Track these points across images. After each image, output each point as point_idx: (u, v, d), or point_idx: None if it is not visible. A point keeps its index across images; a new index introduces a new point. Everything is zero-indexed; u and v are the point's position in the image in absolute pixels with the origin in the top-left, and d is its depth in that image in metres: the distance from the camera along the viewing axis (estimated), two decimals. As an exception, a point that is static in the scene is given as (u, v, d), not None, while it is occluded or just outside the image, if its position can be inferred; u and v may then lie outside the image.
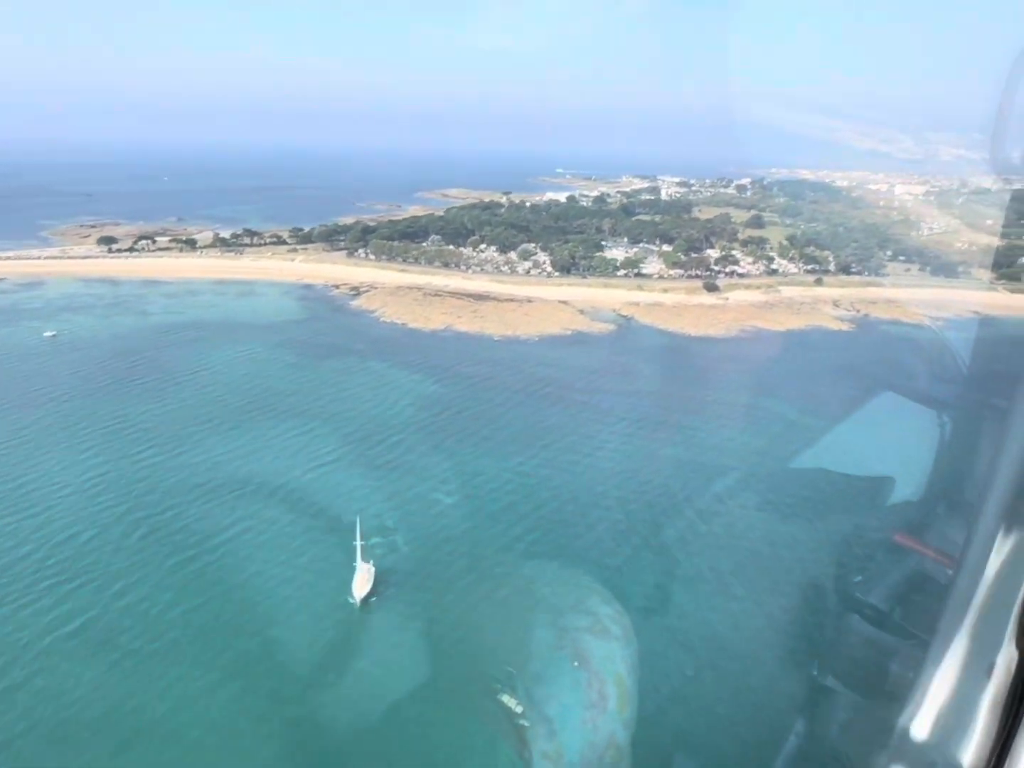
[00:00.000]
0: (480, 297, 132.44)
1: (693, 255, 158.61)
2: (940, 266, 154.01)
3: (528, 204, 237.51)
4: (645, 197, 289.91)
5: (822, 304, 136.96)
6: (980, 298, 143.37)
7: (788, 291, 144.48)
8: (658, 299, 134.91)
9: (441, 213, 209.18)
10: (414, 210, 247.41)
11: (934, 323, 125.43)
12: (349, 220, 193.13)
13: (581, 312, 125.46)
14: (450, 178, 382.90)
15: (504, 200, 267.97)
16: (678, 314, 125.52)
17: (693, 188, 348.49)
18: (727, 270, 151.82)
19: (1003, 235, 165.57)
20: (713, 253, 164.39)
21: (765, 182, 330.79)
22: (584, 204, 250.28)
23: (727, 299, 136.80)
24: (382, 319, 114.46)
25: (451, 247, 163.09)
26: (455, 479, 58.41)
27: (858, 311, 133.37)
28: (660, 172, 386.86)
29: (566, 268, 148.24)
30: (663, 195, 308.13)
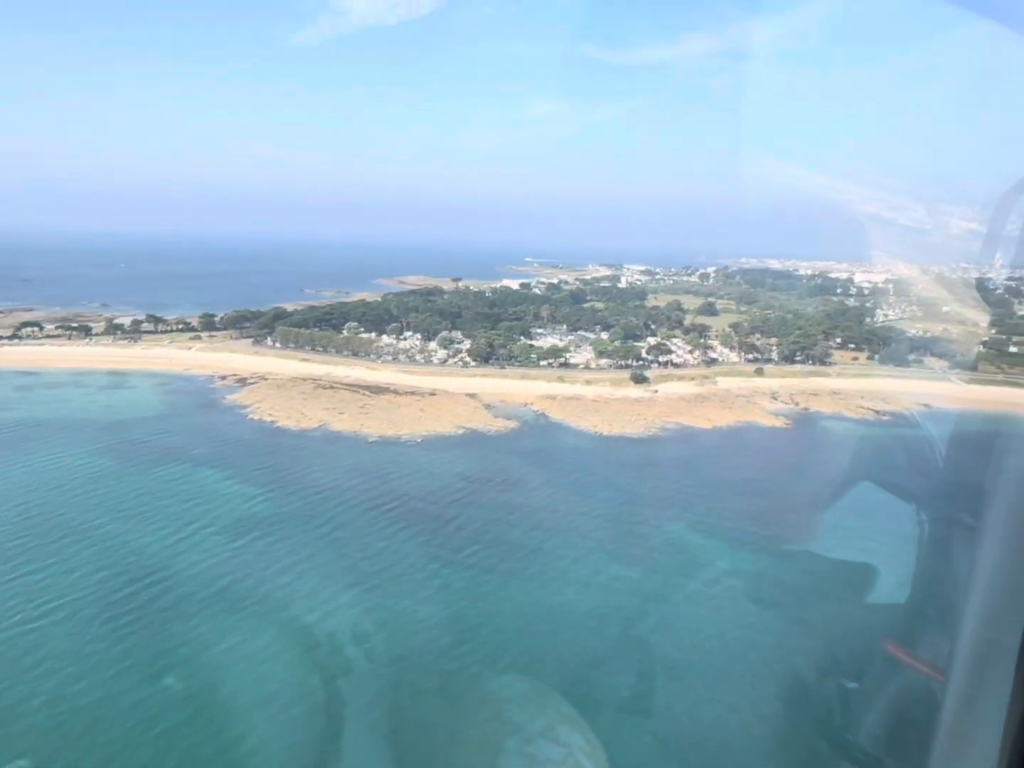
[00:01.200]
0: (379, 390, 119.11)
1: (632, 343, 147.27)
2: (890, 354, 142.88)
3: (473, 290, 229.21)
4: (603, 284, 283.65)
5: (760, 396, 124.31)
6: (932, 389, 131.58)
7: (726, 382, 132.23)
8: (579, 392, 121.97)
9: (379, 299, 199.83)
10: (361, 296, 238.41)
11: (880, 418, 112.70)
12: (289, 306, 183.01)
13: (487, 407, 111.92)
14: (417, 265, 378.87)
15: (453, 286, 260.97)
16: (596, 409, 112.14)
17: (657, 276, 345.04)
18: (662, 359, 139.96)
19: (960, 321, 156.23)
20: (652, 341, 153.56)
21: (729, 271, 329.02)
22: (537, 291, 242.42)
23: (656, 392, 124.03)
24: (251, 416, 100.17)
25: (369, 335, 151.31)
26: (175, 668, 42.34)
27: (797, 404, 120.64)
28: (629, 261, 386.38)
29: (485, 357, 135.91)
30: (622, 283, 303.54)
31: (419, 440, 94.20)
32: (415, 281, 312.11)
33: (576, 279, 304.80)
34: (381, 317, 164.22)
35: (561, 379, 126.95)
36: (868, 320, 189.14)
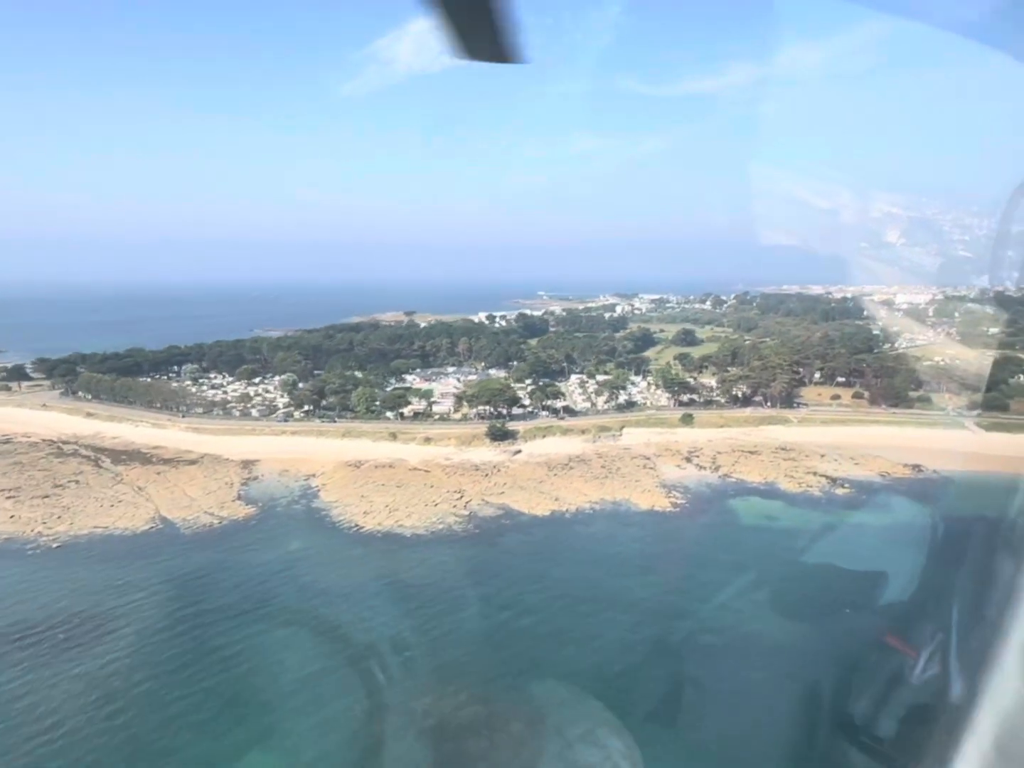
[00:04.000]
0: (133, 456, 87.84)
1: (543, 383, 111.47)
2: (886, 391, 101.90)
3: (420, 323, 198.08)
4: (591, 314, 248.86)
5: (669, 457, 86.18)
6: (934, 440, 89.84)
7: (635, 435, 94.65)
8: (405, 454, 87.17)
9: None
10: (300, 332, 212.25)
11: (833, 491, 73.32)
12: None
13: (249, 480, 79.03)
14: (419, 302, 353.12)
15: (401, 319, 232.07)
16: (401, 483, 77.26)
17: (668, 304, 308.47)
18: (558, 405, 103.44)
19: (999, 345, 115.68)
20: (575, 380, 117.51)
21: (749, 296, 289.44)
22: (502, 323, 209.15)
23: (518, 452, 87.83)
24: None
25: (182, 382, 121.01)
26: None
27: (717, 468, 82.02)
28: (656, 291, 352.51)
29: (315, 405, 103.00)
30: (617, 312, 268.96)
31: (56, 546, 61.35)
32: (388, 317, 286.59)
33: (564, 309, 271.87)
34: (241, 357, 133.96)
35: (394, 436, 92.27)
36: (886, 347, 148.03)
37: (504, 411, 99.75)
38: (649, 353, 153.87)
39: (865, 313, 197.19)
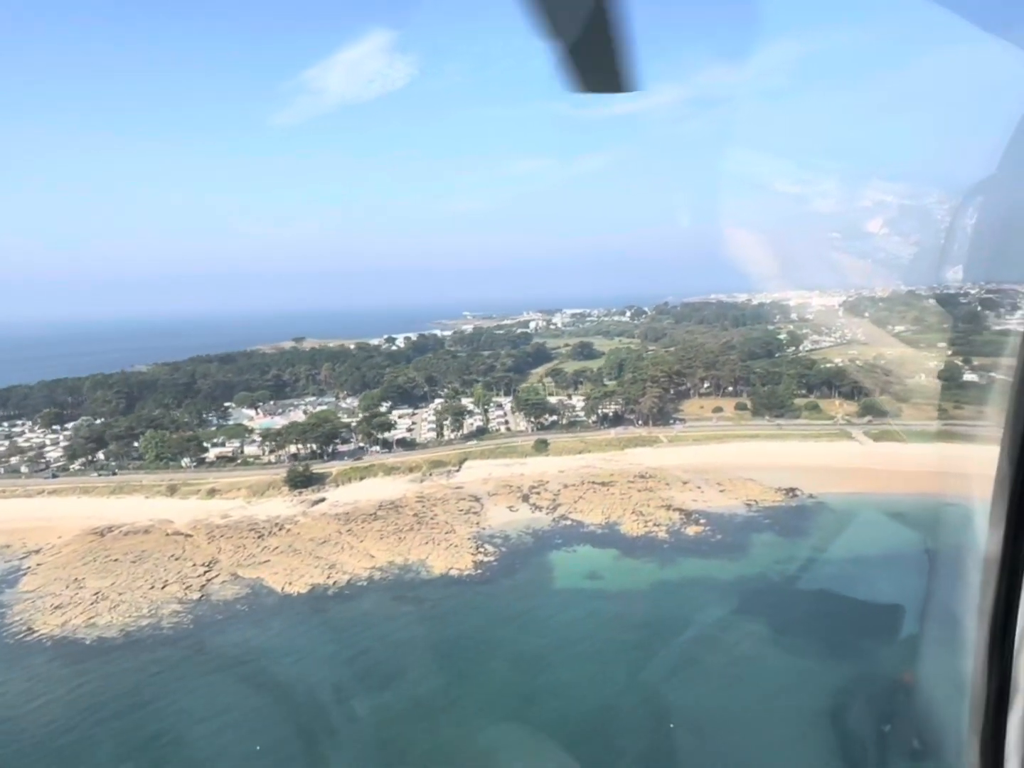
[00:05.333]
0: None
1: (371, 413, 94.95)
2: (769, 400, 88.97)
3: (304, 350, 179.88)
4: (497, 332, 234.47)
5: (503, 494, 71.21)
6: (818, 454, 77.01)
7: (478, 468, 79.37)
8: (178, 512, 69.72)
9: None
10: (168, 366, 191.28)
11: (685, 528, 59.09)
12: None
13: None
14: (331, 330, 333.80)
15: (283, 347, 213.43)
16: (141, 558, 59.85)
17: (588, 318, 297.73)
18: (392, 437, 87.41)
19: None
20: (438, 404, 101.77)
21: (669, 306, 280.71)
22: (395, 347, 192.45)
23: (320, 501, 71.37)
24: None
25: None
26: None
27: (557, 506, 67.00)
28: (579, 306, 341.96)
29: (78, 455, 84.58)
30: (531, 328, 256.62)
31: None
32: (270, 347, 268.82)
33: (475, 327, 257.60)
34: (52, 400, 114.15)
35: (173, 490, 74.49)
36: (790, 351, 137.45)
37: (326, 449, 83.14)
38: (541, 370, 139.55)
39: (777, 318, 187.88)
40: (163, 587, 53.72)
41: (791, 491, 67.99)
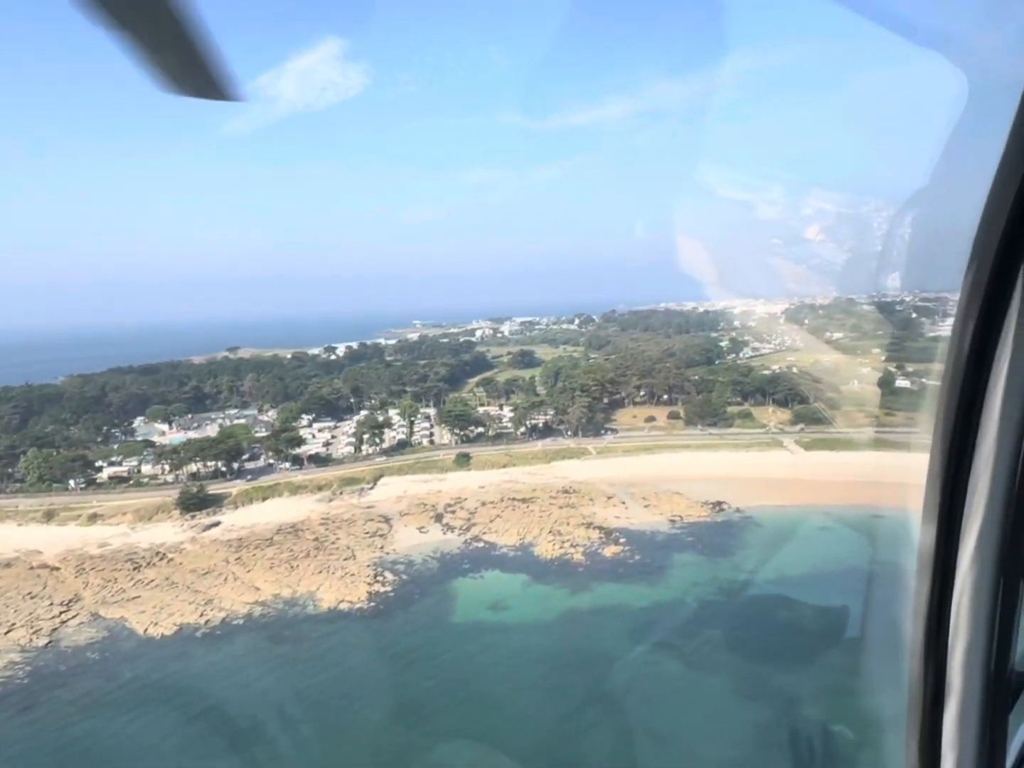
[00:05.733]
0: None
1: (281, 427, 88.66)
2: (702, 409, 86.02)
3: (232, 359, 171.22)
4: (442, 340, 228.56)
5: (416, 514, 66.34)
6: (748, 465, 74.16)
7: (396, 484, 74.29)
8: (52, 541, 62.75)
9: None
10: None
11: (600, 547, 55.01)
12: None
13: None
14: (280, 339, 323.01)
15: (222, 357, 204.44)
16: (-5, 593, 52.50)
17: (537, 326, 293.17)
18: (311, 454, 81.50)
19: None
20: (363, 416, 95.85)
21: (617, 314, 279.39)
22: (334, 356, 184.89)
23: (213, 525, 65.17)
24: None
25: None
26: None
27: (468, 527, 62.40)
28: (529, 315, 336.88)
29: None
30: (477, 336, 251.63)
31: None
32: (202, 358, 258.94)
33: (420, 336, 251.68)
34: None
35: (51, 515, 67.31)
36: (730, 358, 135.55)
37: (232, 467, 76.82)
38: (476, 380, 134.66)
39: (721, 325, 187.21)
40: (7, 632, 47.00)
41: (718, 505, 64.58)
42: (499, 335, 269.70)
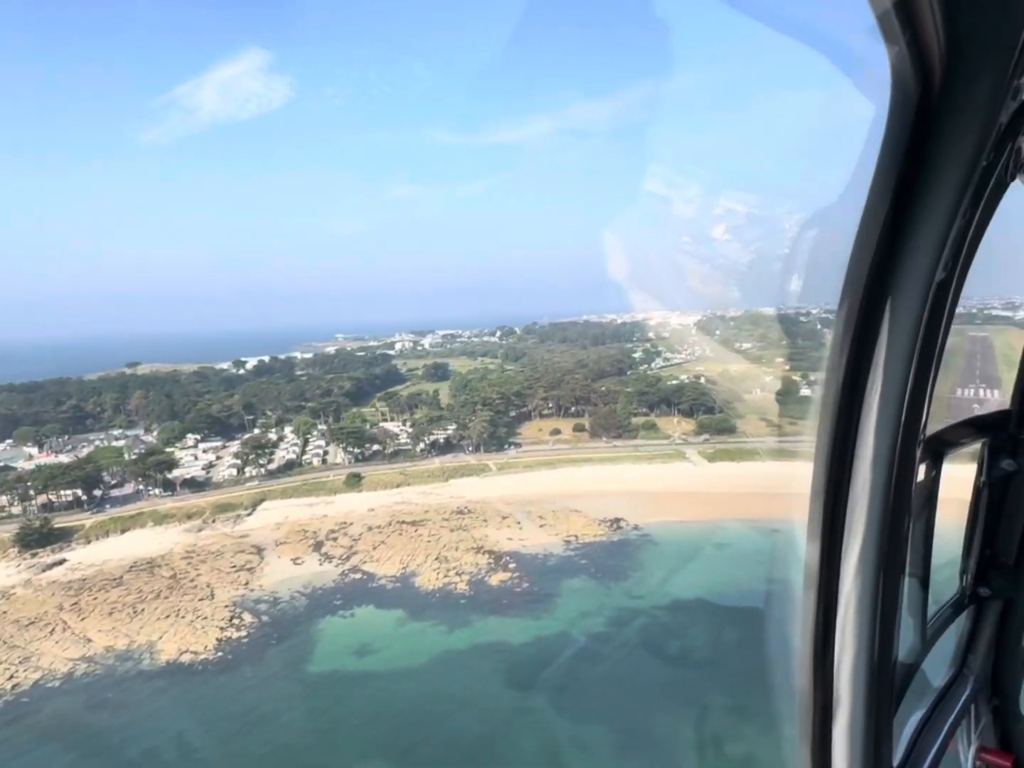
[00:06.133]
0: None
1: (212, 443, 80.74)
2: (606, 421, 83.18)
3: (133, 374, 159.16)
4: (359, 354, 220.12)
5: (294, 543, 60.57)
6: (649, 478, 71.71)
7: (279, 509, 68.03)
8: None
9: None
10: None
11: (502, 580, 50.78)
12: None
13: None
14: (188, 355, 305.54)
15: (119, 373, 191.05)
16: None
17: (460, 339, 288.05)
18: (186, 478, 73.94)
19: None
20: (246, 436, 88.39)
21: (538, 327, 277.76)
22: (242, 371, 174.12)
23: (57, 563, 57.43)
24: None
25: None
26: None
27: (350, 557, 56.91)
28: (469, 327, 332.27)
29: None
30: (396, 349, 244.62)
31: None
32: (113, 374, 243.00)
33: (338, 349, 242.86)
34: None
35: None
36: (642, 368, 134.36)
37: (93, 495, 68.64)
38: (382, 394, 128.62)
39: (636, 336, 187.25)
40: None
41: (616, 523, 61.41)
42: (419, 348, 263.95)
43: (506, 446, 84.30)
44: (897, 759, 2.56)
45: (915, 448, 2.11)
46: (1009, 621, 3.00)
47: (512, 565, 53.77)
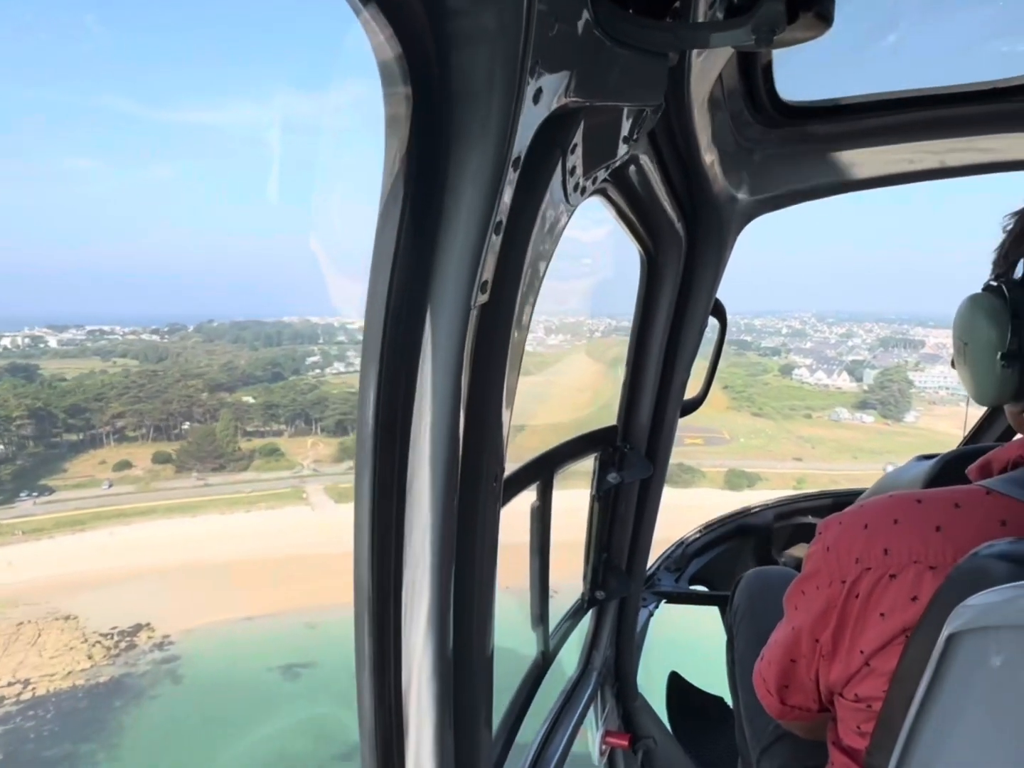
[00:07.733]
0: None
1: None
2: (214, 447, 54.41)
3: None
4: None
5: None
6: (250, 533, 47.05)
7: None
8: None
9: None
10: None
11: None
12: None
13: None
14: None
15: None
16: None
17: (112, 335, 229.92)
18: None
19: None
20: None
21: (215, 324, 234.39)
22: None
23: None
24: None
25: None
26: None
27: None
28: (141, 324, 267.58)
29: None
30: (12, 345, 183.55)
31: None
32: None
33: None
34: None
35: None
36: (316, 373, 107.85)
37: None
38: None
39: (322, 339, 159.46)
40: None
41: (132, 635, 34.79)
42: (44, 345, 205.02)
43: (25, 493, 52.24)
44: (529, 757, 2.54)
45: (484, 481, 1.51)
46: (625, 616, 3.18)
47: None
